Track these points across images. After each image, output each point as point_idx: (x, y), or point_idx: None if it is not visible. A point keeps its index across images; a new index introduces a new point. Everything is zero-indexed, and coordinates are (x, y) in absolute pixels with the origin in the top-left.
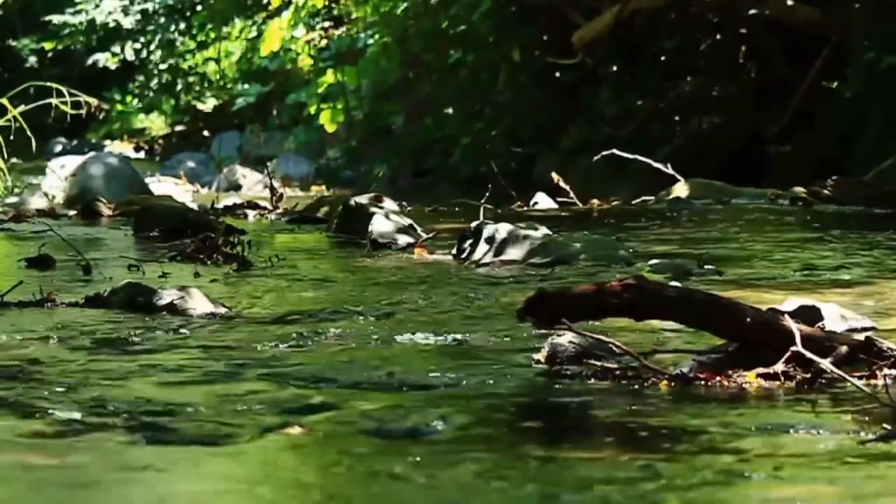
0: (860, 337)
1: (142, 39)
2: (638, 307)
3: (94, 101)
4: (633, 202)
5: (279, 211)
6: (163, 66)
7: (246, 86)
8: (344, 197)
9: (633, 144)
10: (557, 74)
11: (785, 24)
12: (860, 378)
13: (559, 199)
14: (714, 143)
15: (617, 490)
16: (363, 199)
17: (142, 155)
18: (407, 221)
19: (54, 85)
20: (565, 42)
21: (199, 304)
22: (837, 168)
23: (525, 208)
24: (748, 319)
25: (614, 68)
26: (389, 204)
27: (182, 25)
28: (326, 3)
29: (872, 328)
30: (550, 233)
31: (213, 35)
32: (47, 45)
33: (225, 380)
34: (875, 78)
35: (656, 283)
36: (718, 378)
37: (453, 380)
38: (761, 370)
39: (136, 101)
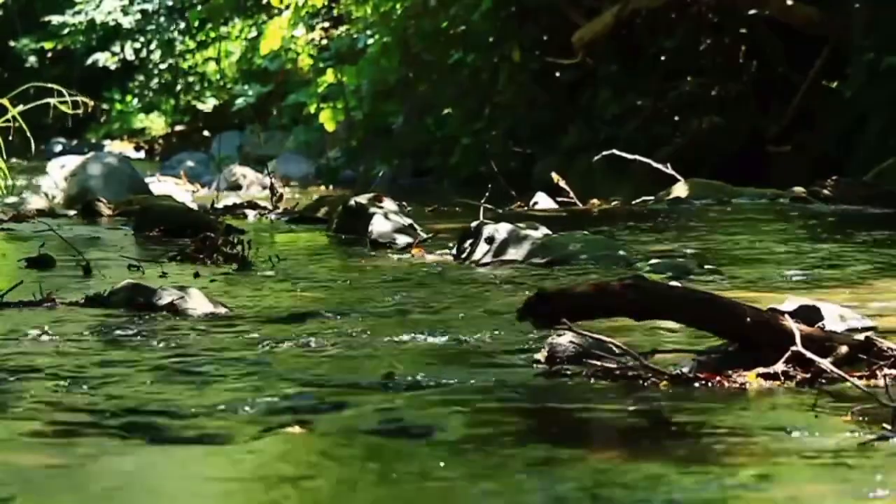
0: (860, 337)
1: (141, 39)
2: (638, 307)
3: (92, 102)
4: (633, 202)
5: (279, 211)
6: (162, 66)
7: (246, 86)
8: (344, 197)
9: (633, 144)
10: (557, 74)
11: (785, 24)
12: (860, 378)
13: (559, 199)
14: (714, 143)
15: (617, 490)
16: (363, 199)
17: (142, 155)
18: (407, 221)
19: (54, 85)
20: (565, 42)
21: (198, 304)
22: (837, 168)
23: (525, 208)
24: (748, 319)
25: (614, 68)
26: (389, 204)
27: (181, 25)
28: (326, 3)
29: (872, 328)
30: (550, 233)
31: (212, 35)
32: (47, 45)
33: (224, 380)
34: (875, 78)
35: (656, 282)
36: (718, 378)
37: (453, 380)
38: (761, 370)
39: (135, 100)
